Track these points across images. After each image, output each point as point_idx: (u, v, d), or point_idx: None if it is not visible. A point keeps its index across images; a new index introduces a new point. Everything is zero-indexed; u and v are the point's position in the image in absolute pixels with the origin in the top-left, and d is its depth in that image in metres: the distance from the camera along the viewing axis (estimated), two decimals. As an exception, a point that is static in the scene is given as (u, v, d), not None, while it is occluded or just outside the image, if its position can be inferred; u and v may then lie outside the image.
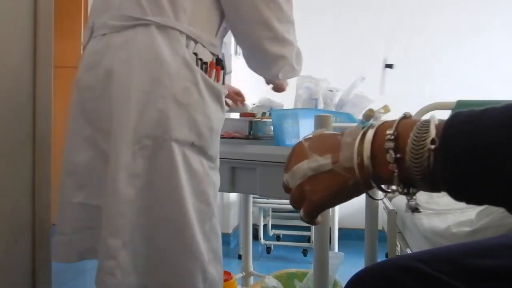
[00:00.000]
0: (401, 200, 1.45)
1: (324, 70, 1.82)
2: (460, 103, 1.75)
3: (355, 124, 1.23)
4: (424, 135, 0.42)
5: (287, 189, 0.54)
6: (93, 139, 0.95)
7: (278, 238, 3.27)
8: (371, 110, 0.49)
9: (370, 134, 0.46)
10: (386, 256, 1.40)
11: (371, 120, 0.49)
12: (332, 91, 1.51)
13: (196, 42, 0.93)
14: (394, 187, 0.46)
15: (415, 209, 0.47)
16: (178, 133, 0.88)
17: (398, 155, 0.43)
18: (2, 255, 1.11)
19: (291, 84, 1.54)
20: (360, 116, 1.44)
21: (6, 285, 1.12)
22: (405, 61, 3.30)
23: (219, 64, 0.98)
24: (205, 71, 0.94)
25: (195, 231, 0.89)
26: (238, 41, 1.04)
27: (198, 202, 0.91)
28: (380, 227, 1.47)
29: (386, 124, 0.46)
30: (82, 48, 1.04)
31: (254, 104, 1.72)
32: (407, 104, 2.04)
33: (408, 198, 0.47)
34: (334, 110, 1.49)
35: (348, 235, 3.12)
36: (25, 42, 1.16)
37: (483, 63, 3.20)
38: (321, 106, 1.47)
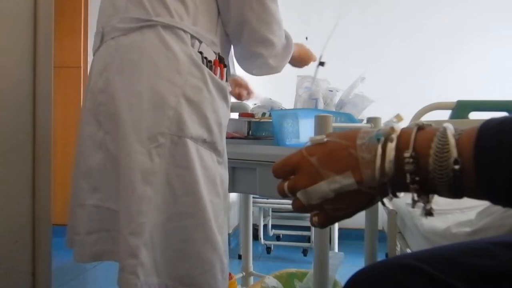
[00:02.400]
0: (401, 200, 1.45)
1: (324, 70, 1.82)
2: (460, 103, 1.75)
3: (356, 125, 1.23)
4: (446, 154, 0.41)
5: (285, 195, 0.53)
6: (104, 142, 0.96)
7: (278, 238, 3.27)
8: (392, 129, 0.47)
9: (391, 153, 0.44)
10: (386, 256, 1.40)
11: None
12: (332, 91, 1.51)
13: (200, 41, 0.95)
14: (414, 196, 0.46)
15: (430, 213, 0.46)
16: (192, 130, 0.91)
17: (417, 178, 0.43)
18: (2, 255, 1.11)
19: (291, 84, 1.54)
20: (359, 117, 1.44)
21: (6, 285, 1.12)
22: (405, 61, 3.30)
23: (222, 62, 1.00)
24: (211, 69, 0.96)
25: (212, 223, 0.92)
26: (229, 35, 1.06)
27: (212, 196, 0.94)
28: (380, 227, 1.47)
29: (403, 140, 0.45)
30: (92, 54, 1.04)
31: (255, 104, 1.72)
32: (407, 104, 2.05)
33: (425, 203, 0.46)
34: (334, 110, 1.49)
35: (348, 235, 3.12)
36: (25, 42, 1.16)
37: (483, 63, 3.20)
38: (321, 106, 1.47)
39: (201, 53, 0.95)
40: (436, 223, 1.12)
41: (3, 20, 1.10)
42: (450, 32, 3.26)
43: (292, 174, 0.52)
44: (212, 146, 0.96)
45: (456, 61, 3.24)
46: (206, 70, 0.94)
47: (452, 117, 1.76)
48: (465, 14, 3.24)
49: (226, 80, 1.02)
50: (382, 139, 0.46)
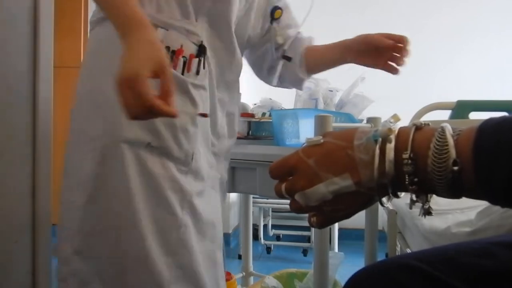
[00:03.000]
0: (401, 200, 1.45)
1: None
2: (460, 103, 1.75)
3: (356, 124, 1.23)
4: (444, 155, 0.41)
5: (282, 197, 0.52)
6: None
7: (278, 238, 3.27)
8: (390, 130, 0.47)
9: (390, 153, 0.44)
10: (386, 256, 1.40)
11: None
12: (332, 91, 1.52)
13: (166, 29, 0.83)
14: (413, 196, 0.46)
15: (429, 213, 0.46)
16: (129, 132, 0.79)
17: (416, 179, 0.43)
18: (2, 255, 1.11)
19: (291, 84, 1.54)
20: (359, 117, 1.44)
21: (6, 285, 1.12)
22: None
23: (201, 52, 0.86)
24: (170, 60, 0.82)
25: (150, 242, 0.78)
26: None
27: (157, 210, 0.80)
28: (380, 227, 1.47)
29: (402, 140, 0.45)
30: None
31: (255, 104, 1.72)
32: (407, 104, 2.05)
33: (423, 203, 0.46)
34: (334, 110, 1.49)
35: (348, 235, 3.12)
36: (25, 42, 1.16)
37: (483, 63, 3.20)
38: (321, 106, 1.47)
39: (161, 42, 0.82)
40: (436, 223, 1.12)
41: (3, 20, 1.10)
42: (450, 32, 3.26)
43: (290, 175, 0.52)
44: (163, 151, 0.81)
45: (456, 61, 3.24)
46: None
47: (452, 117, 1.76)
48: (465, 14, 3.24)
49: (197, 73, 0.86)
50: (380, 139, 0.46)
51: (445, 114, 1.78)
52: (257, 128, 1.40)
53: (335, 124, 1.13)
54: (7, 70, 1.11)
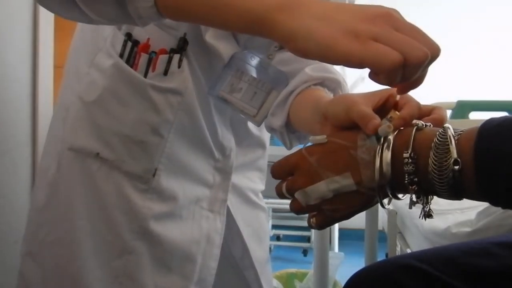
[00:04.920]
0: (401, 201, 1.45)
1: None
2: (460, 103, 1.75)
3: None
4: (445, 155, 0.41)
5: (283, 196, 0.52)
6: None
7: (278, 238, 3.27)
8: (389, 126, 0.47)
9: (387, 155, 0.44)
10: (386, 256, 1.40)
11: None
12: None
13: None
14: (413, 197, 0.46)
15: (429, 215, 0.46)
16: (75, 139, 0.70)
17: (416, 179, 0.43)
18: (2, 255, 1.11)
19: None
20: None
21: (6, 285, 1.13)
22: (405, 61, 3.30)
23: (180, 48, 0.70)
24: (129, 57, 0.69)
25: (88, 268, 0.70)
26: None
27: (101, 230, 0.70)
28: (380, 227, 1.47)
29: (403, 140, 0.45)
30: None
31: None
32: (407, 104, 2.05)
33: (424, 204, 0.46)
34: (334, 110, 1.49)
35: (348, 235, 3.12)
36: (25, 42, 1.16)
37: (484, 63, 3.20)
38: (321, 106, 1.47)
39: (128, 35, 0.69)
40: (436, 223, 1.12)
41: (3, 20, 1.10)
42: (450, 32, 3.26)
43: (291, 175, 0.52)
44: (114, 164, 0.69)
45: (456, 61, 3.24)
46: (114, 60, 0.68)
47: (452, 117, 1.76)
48: (466, 14, 3.24)
49: (166, 74, 0.70)
50: (382, 140, 0.46)
51: (445, 114, 1.78)
52: (257, 128, 1.40)
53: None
54: (7, 70, 1.12)
